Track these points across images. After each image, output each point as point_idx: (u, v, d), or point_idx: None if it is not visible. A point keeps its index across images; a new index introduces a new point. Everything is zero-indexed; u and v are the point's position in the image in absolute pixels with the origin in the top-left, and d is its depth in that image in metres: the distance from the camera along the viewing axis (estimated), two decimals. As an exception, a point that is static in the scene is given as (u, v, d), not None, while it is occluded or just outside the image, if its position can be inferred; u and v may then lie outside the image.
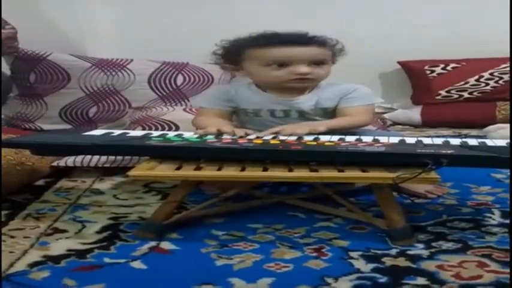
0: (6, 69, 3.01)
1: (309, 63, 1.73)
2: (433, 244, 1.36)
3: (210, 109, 1.83)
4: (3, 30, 2.42)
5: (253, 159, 1.44)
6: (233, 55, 1.81)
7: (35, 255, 1.31)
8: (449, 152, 1.35)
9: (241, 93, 1.82)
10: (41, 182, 1.95)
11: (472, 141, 1.51)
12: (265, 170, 1.39)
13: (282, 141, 1.51)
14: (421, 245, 1.35)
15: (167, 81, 3.05)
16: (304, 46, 1.73)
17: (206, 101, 1.87)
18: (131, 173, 1.38)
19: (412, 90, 3.58)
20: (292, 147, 1.43)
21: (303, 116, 1.77)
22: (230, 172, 1.39)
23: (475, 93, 3.35)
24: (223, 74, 3.18)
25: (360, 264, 1.25)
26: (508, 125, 2.76)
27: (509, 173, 1.92)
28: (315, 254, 1.31)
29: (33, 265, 1.26)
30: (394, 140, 1.55)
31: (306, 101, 1.77)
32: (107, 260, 1.29)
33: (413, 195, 1.73)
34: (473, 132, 2.93)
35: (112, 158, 2.05)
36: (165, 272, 1.24)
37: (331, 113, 1.78)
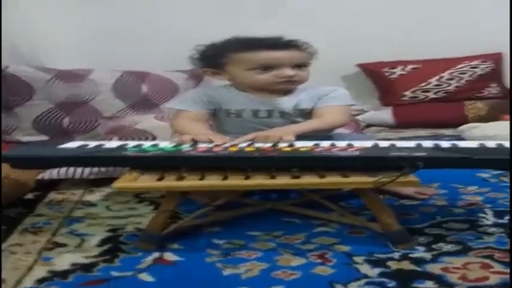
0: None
1: (292, 66, 1.75)
2: (434, 246, 1.38)
3: (188, 112, 1.80)
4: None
5: (229, 167, 1.44)
6: (215, 59, 1.81)
7: (41, 271, 1.30)
8: (423, 154, 1.37)
9: (223, 95, 1.82)
10: (30, 196, 1.93)
11: (445, 144, 1.54)
12: (247, 177, 1.40)
13: (257, 148, 1.51)
14: (422, 248, 1.37)
15: (132, 90, 3.01)
16: (286, 50, 1.76)
17: (185, 103, 1.83)
18: (115, 184, 1.39)
19: (377, 91, 3.62)
20: (268, 154, 1.44)
21: (284, 116, 1.78)
22: (212, 181, 1.39)
23: (440, 93, 3.41)
24: (186, 81, 3.18)
25: (366, 269, 1.27)
26: (480, 124, 2.83)
27: (494, 172, 1.97)
28: (319, 260, 1.33)
29: (41, 281, 1.25)
30: (368, 144, 1.56)
31: (287, 102, 1.78)
32: (113, 273, 1.29)
33: (403, 198, 1.76)
34: (449, 131, 2.97)
35: (96, 169, 2.04)
36: (174, 284, 1.24)
37: (309, 114, 1.79)
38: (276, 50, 1.75)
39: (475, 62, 3.43)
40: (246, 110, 1.78)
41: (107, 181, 1.98)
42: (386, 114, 3.44)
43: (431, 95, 3.42)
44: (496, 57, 3.47)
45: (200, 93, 1.88)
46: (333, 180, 1.37)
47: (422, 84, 3.42)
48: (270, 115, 1.78)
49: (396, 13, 3.47)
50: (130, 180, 1.40)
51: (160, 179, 1.40)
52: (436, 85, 3.41)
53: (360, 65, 3.59)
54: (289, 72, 1.74)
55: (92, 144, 1.65)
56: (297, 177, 1.39)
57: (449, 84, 3.40)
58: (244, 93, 1.80)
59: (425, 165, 1.33)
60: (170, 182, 1.40)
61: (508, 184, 1.87)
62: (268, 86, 1.76)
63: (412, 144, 1.53)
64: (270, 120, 1.77)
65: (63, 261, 1.36)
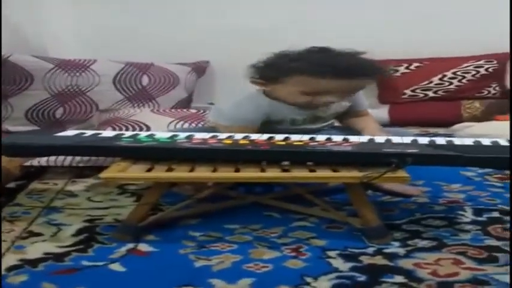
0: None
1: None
2: (409, 242, 1.38)
3: (243, 127, 1.73)
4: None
5: (222, 159, 1.44)
6: (277, 74, 1.73)
7: (11, 259, 1.30)
8: (414, 150, 1.37)
9: (274, 107, 1.77)
10: (11, 185, 1.92)
11: (440, 140, 1.53)
12: (237, 170, 1.40)
13: (251, 141, 1.52)
14: (397, 243, 1.37)
15: (132, 81, 3.01)
16: (358, 79, 1.76)
17: (243, 121, 1.76)
18: (103, 174, 1.38)
19: (377, 89, 3.61)
20: (261, 147, 1.44)
21: (318, 120, 1.83)
22: (202, 173, 1.39)
23: (439, 92, 3.39)
24: (188, 74, 3.18)
25: (338, 263, 1.27)
26: (473, 124, 2.81)
27: (479, 171, 1.96)
28: (293, 254, 1.32)
29: (10, 269, 1.25)
30: (364, 139, 1.57)
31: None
32: (85, 262, 1.29)
33: (391, 194, 1.76)
34: (441, 131, 2.96)
35: (86, 157, 2.03)
36: (144, 274, 1.24)
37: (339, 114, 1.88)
38: (346, 79, 1.71)
39: (480, 62, 3.40)
40: (285, 119, 1.79)
41: (96, 169, 1.98)
42: (381, 113, 3.41)
43: (430, 93, 3.39)
44: (503, 57, 3.40)
45: (256, 109, 1.78)
46: (322, 174, 1.37)
47: (424, 83, 3.40)
48: (304, 121, 1.81)
49: (403, 11, 3.45)
50: (118, 171, 1.39)
51: (149, 170, 1.40)
52: (437, 84, 3.37)
53: None
54: (332, 99, 1.74)
55: (89, 133, 1.66)
56: (287, 170, 1.38)
57: (451, 83, 3.37)
58: (288, 105, 1.77)
59: (414, 162, 1.32)
60: (160, 173, 1.39)
61: (491, 183, 1.86)
62: (302, 106, 1.76)
63: (408, 140, 1.53)
64: (305, 126, 1.81)
65: (35, 250, 1.36)
